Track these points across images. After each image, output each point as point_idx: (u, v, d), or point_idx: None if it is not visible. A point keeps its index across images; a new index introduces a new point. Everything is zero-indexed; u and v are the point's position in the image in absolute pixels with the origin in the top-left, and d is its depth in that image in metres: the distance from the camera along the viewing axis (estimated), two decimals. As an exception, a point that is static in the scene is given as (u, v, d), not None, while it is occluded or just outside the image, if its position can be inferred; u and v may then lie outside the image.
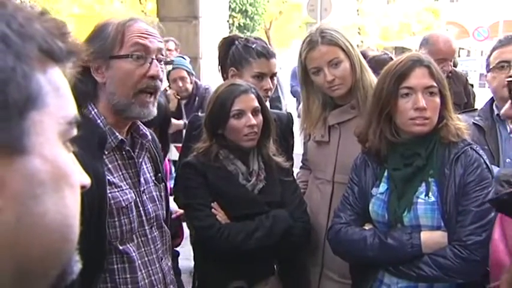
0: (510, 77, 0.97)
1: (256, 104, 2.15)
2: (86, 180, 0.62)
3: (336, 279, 2.33)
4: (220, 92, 2.16)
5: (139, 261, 1.64)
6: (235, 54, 2.47)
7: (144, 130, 1.72)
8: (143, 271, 1.64)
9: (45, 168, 0.54)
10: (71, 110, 0.59)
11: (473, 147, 1.89)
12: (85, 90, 1.56)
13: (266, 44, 2.54)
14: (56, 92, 0.57)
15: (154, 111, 1.64)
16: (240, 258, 2.07)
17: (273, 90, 2.53)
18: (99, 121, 1.59)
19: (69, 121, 0.58)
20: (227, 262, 2.09)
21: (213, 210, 2.09)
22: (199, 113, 2.70)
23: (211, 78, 5.60)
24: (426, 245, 1.83)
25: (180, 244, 2.49)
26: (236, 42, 2.50)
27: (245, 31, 16.15)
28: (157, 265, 1.70)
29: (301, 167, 2.63)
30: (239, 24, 16.75)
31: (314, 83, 2.34)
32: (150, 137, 1.74)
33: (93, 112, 1.60)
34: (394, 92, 1.89)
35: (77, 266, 0.61)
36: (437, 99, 1.89)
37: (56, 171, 0.55)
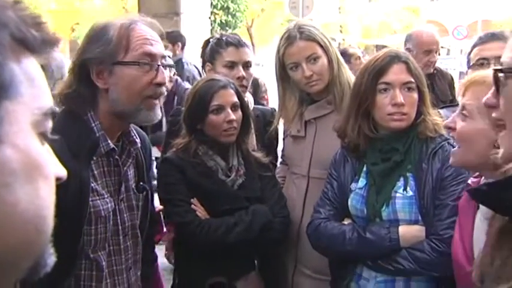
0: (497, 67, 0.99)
1: (236, 99, 2.15)
2: (62, 172, 0.62)
3: (310, 275, 2.34)
4: (198, 87, 2.16)
5: (107, 270, 1.64)
6: (209, 50, 2.55)
7: (134, 137, 1.71)
8: (109, 280, 1.64)
9: (17, 158, 0.53)
10: (47, 101, 0.59)
11: (451, 142, 1.91)
12: (85, 95, 1.55)
13: (238, 36, 2.59)
14: (30, 82, 0.56)
15: (160, 113, 1.64)
16: (220, 254, 2.06)
17: (249, 81, 2.55)
18: (93, 125, 1.57)
19: (44, 112, 0.58)
20: (207, 258, 2.08)
21: (192, 206, 2.09)
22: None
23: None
24: (404, 239, 1.85)
25: (160, 241, 2.48)
26: (211, 39, 2.58)
27: (227, 28, 16.07)
28: (124, 275, 1.69)
29: (280, 163, 2.64)
30: (221, 21, 16.68)
31: (291, 79, 2.35)
32: (139, 144, 1.73)
33: (88, 115, 1.58)
34: (372, 88, 1.90)
35: (51, 259, 0.60)
36: (415, 95, 1.91)
37: (29, 161, 0.55)
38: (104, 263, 1.61)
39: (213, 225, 2.05)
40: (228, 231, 2.05)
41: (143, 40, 1.56)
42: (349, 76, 2.31)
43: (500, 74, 0.96)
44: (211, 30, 10.07)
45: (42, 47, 0.58)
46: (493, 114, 1.01)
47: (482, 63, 2.36)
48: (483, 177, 1.62)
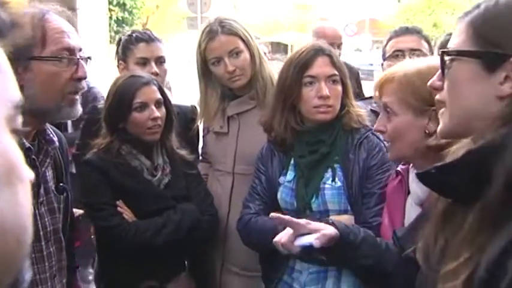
0: (443, 48, 1.04)
1: (159, 95, 2.08)
2: (32, 175, 0.54)
3: (238, 272, 2.33)
4: (119, 85, 2.05)
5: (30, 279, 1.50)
6: (121, 48, 2.48)
7: (51, 135, 1.59)
8: None
9: None
10: (16, 92, 0.51)
11: (374, 133, 1.98)
12: None
13: (149, 31, 2.53)
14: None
15: (80, 109, 1.56)
16: (149, 257, 1.99)
17: (164, 77, 2.48)
18: None
19: (15, 105, 0.50)
20: (136, 261, 1.99)
21: (118, 208, 1.99)
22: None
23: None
24: None
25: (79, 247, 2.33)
26: (123, 37, 2.51)
27: (123, 25, 15.58)
28: (49, 284, 1.58)
29: (200, 161, 2.59)
30: (117, 17, 16.11)
31: (213, 75, 2.31)
32: (57, 143, 1.61)
33: None
34: (297, 81, 1.91)
35: (28, 275, 0.53)
36: (339, 88, 1.95)
37: (7, 163, 0.47)
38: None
39: (140, 227, 1.97)
40: (156, 232, 1.98)
41: (60, 33, 1.47)
42: (271, 71, 2.32)
43: (447, 58, 1.00)
44: (108, 27, 9.70)
45: (9, 30, 0.51)
46: (437, 96, 1.06)
47: (397, 55, 2.49)
48: (411, 164, 1.70)
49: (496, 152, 0.90)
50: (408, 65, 1.63)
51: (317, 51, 1.93)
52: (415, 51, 2.44)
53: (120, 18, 16.43)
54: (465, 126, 0.99)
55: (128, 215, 2.00)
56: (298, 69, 1.91)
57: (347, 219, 1.90)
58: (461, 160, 0.96)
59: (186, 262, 2.23)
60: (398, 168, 1.78)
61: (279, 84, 2.00)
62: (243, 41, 2.26)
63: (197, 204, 2.15)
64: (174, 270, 2.15)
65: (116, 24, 15.23)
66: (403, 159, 1.73)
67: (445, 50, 1.01)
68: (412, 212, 1.65)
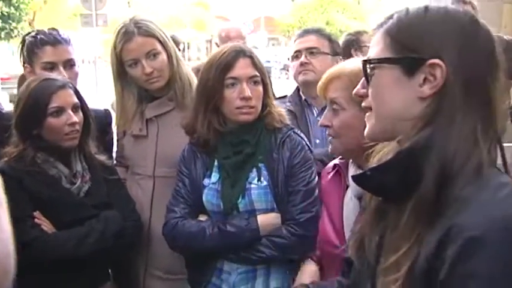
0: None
1: (76, 99, 1.99)
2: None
3: (161, 276, 2.29)
4: (32, 89, 1.93)
5: None
6: (25, 50, 2.32)
7: None
8: None
9: None
10: None
11: (296, 131, 2.04)
12: None
13: (56, 31, 2.36)
14: None
15: None
16: (72, 268, 1.89)
17: (75, 81, 2.36)
18: None
19: None
20: (57, 273, 1.89)
21: (36, 220, 1.87)
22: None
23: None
24: (263, 227, 1.91)
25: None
26: (27, 38, 2.33)
27: (10, 21, 14.54)
28: None
29: (115, 165, 2.50)
30: (2, 13, 14.98)
31: (129, 76, 2.25)
32: None
33: None
34: (220, 83, 1.91)
35: None
36: (260, 88, 1.97)
37: None
38: None
39: (61, 238, 1.88)
40: (79, 243, 1.89)
41: None
42: (188, 71, 2.30)
43: (368, 66, 1.07)
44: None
45: None
46: (363, 104, 1.12)
47: (296, 55, 2.60)
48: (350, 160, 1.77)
49: (423, 152, 0.97)
50: (354, 63, 1.69)
51: (238, 53, 1.94)
52: (312, 50, 2.57)
53: (6, 13, 15.31)
54: (391, 129, 1.05)
55: (46, 226, 1.89)
56: (220, 70, 1.91)
57: (274, 217, 1.94)
58: (393, 161, 1.02)
59: (110, 271, 2.15)
60: (337, 162, 1.84)
61: (200, 86, 1.99)
62: (160, 42, 2.22)
63: (120, 210, 2.08)
64: (98, 280, 2.07)
65: (1, 20, 14.19)
66: (346, 154, 1.79)
67: (367, 59, 1.07)
68: (350, 205, 1.72)
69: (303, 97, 2.64)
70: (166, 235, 2.01)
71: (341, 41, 4.10)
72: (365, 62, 1.07)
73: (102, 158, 2.13)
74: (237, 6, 27.28)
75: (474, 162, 0.95)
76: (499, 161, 1.05)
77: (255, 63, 1.96)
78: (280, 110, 2.07)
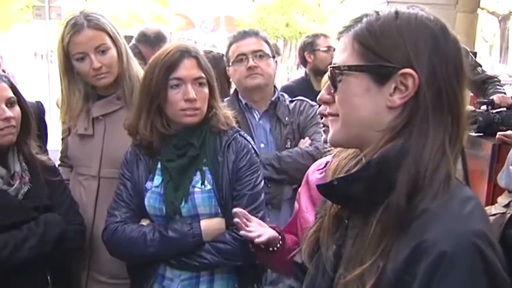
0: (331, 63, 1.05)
1: (11, 94, 1.88)
2: None
3: (106, 281, 2.22)
4: None
5: None
6: None
7: None
8: None
9: None
10: None
11: (242, 134, 1.99)
12: None
13: None
14: None
15: None
16: (7, 274, 1.79)
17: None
18: None
19: None
20: None
21: None
22: None
23: None
24: (206, 233, 1.86)
25: None
26: None
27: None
28: None
29: (59, 165, 2.40)
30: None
31: (76, 72, 2.17)
32: None
33: None
34: (163, 83, 1.85)
35: None
36: (206, 90, 1.92)
37: None
38: None
39: None
40: (17, 248, 1.79)
41: None
42: (139, 70, 2.22)
43: (336, 72, 1.02)
44: None
45: None
46: (328, 110, 1.08)
47: (241, 58, 2.51)
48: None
49: (393, 163, 0.94)
50: None
51: (183, 53, 1.88)
52: (257, 52, 2.51)
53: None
54: (357, 137, 1.02)
55: None
56: (164, 70, 1.85)
57: (218, 222, 1.90)
58: (362, 172, 0.99)
59: (48, 277, 2.05)
60: (329, 159, 1.80)
61: (144, 86, 1.91)
62: (111, 37, 2.14)
63: (62, 213, 1.99)
64: (35, 287, 1.97)
65: None
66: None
67: (334, 65, 1.03)
68: None
69: (243, 101, 2.59)
70: (106, 241, 1.93)
71: (299, 42, 4.10)
72: (333, 68, 1.03)
73: (43, 158, 2.03)
74: (197, 4, 27.09)
75: (442, 174, 0.94)
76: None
77: (200, 64, 1.91)
78: (227, 112, 2.02)
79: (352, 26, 1.01)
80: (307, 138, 2.51)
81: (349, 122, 1.02)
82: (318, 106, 2.60)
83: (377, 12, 1.00)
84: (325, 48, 3.84)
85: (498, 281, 0.87)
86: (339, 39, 1.04)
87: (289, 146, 2.49)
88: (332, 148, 1.23)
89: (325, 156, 1.76)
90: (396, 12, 0.99)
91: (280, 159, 2.42)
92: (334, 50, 4.01)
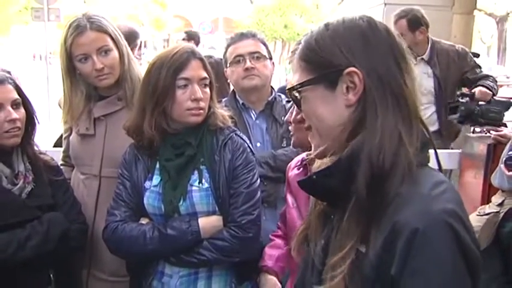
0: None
1: (16, 95, 1.92)
2: None
3: (106, 279, 2.26)
4: None
5: None
6: None
7: None
8: None
9: None
10: None
11: (238, 133, 2.03)
12: None
13: None
14: None
15: None
16: (10, 272, 1.83)
17: None
18: None
19: None
20: None
21: None
22: None
23: None
24: (204, 230, 1.90)
25: None
26: None
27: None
28: None
29: (61, 165, 2.44)
30: None
31: (77, 72, 2.21)
32: None
33: None
34: (171, 83, 1.89)
35: None
36: (209, 91, 1.97)
37: None
38: None
39: (1, 242, 1.81)
40: (21, 246, 1.83)
41: None
42: (139, 71, 2.26)
43: (295, 93, 1.13)
44: None
45: None
46: (305, 125, 1.16)
47: (238, 60, 2.56)
48: None
49: (355, 155, 1.01)
50: None
51: (190, 55, 1.92)
52: (254, 54, 2.56)
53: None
54: (334, 140, 1.09)
55: None
56: (173, 71, 1.89)
57: (216, 220, 1.93)
58: (334, 165, 1.06)
59: (51, 275, 2.09)
60: (305, 156, 1.85)
61: (148, 86, 1.93)
62: (113, 39, 2.19)
63: (65, 212, 2.03)
64: (38, 285, 2.01)
65: None
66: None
67: (290, 87, 1.13)
68: None
69: (240, 101, 2.64)
70: (107, 239, 1.97)
71: (292, 47, 4.14)
72: (290, 89, 1.13)
73: (47, 158, 2.07)
74: (196, 6, 27.15)
75: (404, 161, 0.99)
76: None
77: (205, 66, 1.96)
78: (223, 112, 2.06)
79: (297, 50, 1.13)
80: None
81: (321, 131, 1.11)
82: None
83: (311, 31, 1.12)
84: None
85: (470, 255, 0.93)
86: (291, 63, 1.16)
87: (284, 145, 2.54)
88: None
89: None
90: (326, 25, 1.10)
91: (276, 157, 2.47)
92: None
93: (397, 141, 1.00)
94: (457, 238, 0.92)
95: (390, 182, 0.98)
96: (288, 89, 1.13)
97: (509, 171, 2.61)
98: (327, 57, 1.06)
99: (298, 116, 1.15)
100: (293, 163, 1.97)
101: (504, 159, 2.71)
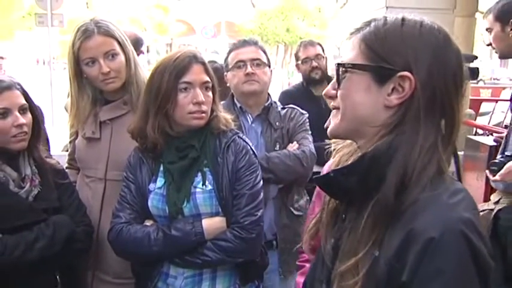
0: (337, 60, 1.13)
1: (23, 101, 1.95)
2: None
3: (111, 281, 2.28)
4: None
5: None
6: None
7: None
8: None
9: None
10: None
11: (240, 136, 2.06)
12: None
13: None
14: None
15: None
16: (18, 274, 1.85)
17: None
18: None
19: None
20: (2, 280, 1.84)
21: None
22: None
23: None
24: (208, 231, 1.92)
25: None
26: None
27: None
28: None
29: (67, 168, 2.47)
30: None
31: (85, 77, 2.25)
32: None
33: None
34: (173, 87, 1.92)
35: None
36: (211, 94, 2.00)
37: None
38: None
39: (9, 244, 1.83)
40: (28, 248, 1.85)
41: None
42: (145, 76, 2.29)
43: (341, 69, 1.10)
44: None
45: None
46: (332, 103, 1.15)
47: (239, 65, 2.62)
48: None
49: (385, 157, 1.01)
50: None
51: (192, 59, 1.95)
52: (255, 60, 2.62)
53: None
54: (355, 131, 1.10)
55: None
56: (175, 75, 1.92)
57: (219, 221, 1.96)
58: (356, 164, 1.06)
59: (58, 277, 2.12)
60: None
61: (151, 90, 1.97)
62: (119, 43, 2.22)
63: (71, 215, 2.06)
64: (45, 287, 2.03)
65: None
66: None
67: (340, 62, 1.11)
68: None
69: (238, 105, 2.69)
70: (112, 241, 2.00)
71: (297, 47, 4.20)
72: (340, 64, 1.10)
73: (53, 161, 2.10)
74: (198, 10, 27.23)
75: (432, 170, 1.00)
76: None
77: (207, 70, 1.99)
78: (226, 115, 2.09)
79: (362, 29, 1.10)
80: (295, 142, 2.64)
81: (348, 117, 1.09)
82: (307, 114, 2.73)
83: (385, 18, 1.09)
84: (302, 61, 4.00)
85: (484, 265, 0.94)
86: (349, 39, 1.12)
87: (277, 149, 2.61)
88: (332, 144, 1.29)
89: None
90: (403, 19, 1.07)
91: (269, 159, 2.51)
92: (313, 59, 4.13)
93: (430, 156, 1.01)
94: (471, 248, 0.92)
95: (413, 189, 0.99)
96: (338, 63, 1.10)
97: (493, 176, 2.64)
98: (390, 52, 1.04)
99: (332, 92, 1.13)
100: (325, 169, 1.97)
101: (489, 164, 2.74)
